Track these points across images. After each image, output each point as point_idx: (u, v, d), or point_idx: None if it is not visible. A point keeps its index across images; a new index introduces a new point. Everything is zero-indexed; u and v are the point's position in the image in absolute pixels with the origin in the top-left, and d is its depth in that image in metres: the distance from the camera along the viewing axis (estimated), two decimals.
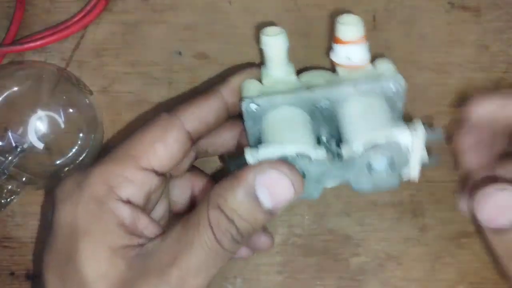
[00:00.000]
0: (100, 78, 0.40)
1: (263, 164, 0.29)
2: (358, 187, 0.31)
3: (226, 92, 0.33)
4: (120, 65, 0.40)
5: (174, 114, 0.32)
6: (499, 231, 0.27)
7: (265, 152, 0.29)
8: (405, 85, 0.32)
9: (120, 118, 0.40)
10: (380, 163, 0.30)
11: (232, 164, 0.30)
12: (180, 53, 0.40)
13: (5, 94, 0.37)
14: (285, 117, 0.32)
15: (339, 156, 0.31)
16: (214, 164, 0.40)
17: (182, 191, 0.36)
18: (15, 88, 0.38)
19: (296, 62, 0.40)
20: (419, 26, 0.40)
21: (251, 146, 0.34)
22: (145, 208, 0.32)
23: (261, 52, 0.34)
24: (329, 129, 0.33)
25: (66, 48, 0.40)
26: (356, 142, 0.30)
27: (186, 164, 0.34)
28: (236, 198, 0.28)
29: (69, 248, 0.29)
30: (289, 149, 0.29)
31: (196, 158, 0.35)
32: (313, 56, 0.40)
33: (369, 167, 0.30)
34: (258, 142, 0.33)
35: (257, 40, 0.40)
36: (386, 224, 0.39)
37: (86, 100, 0.39)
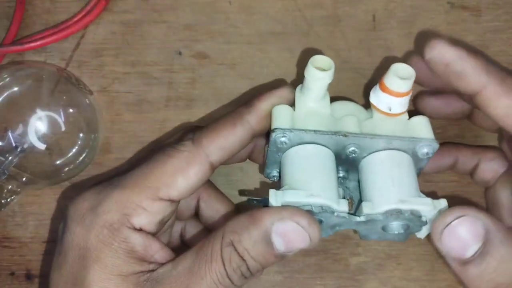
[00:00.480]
0: (100, 78, 0.40)
1: (282, 211, 0.28)
2: (366, 237, 0.32)
3: (254, 121, 0.32)
4: (120, 65, 0.40)
5: (199, 145, 0.31)
6: (464, 262, 0.26)
7: (291, 198, 0.29)
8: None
9: (120, 118, 0.40)
10: (396, 228, 0.30)
11: (253, 202, 0.30)
12: (180, 53, 0.40)
13: (5, 94, 0.37)
14: (312, 157, 0.31)
15: (358, 211, 0.31)
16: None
17: (189, 201, 0.36)
18: (15, 88, 0.38)
19: (296, 62, 0.40)
20: (419, 26, 0.40)
21: (267, 168, 0.34)
22: (158, 232, 0.31)
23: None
24: (349, 173, 0.33)
25: (66, 48, 0.40)
26: (380, 208, 0.29)
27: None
28: (250, 239, 0.28)
29: (78, 271, 0.29)
30: (315, 201, 0.29)
31: None
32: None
33: (384, 228, 0.30)
34: (275, 166, 0.33)
35: (258, 40, 0.40)
36: None
37: (86, 100, 0.39)
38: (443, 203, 0.30)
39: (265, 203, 0.29)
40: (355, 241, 0.39)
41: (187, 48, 0.40)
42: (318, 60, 0.31)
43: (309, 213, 0.29)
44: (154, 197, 0.30)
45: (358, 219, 0.30)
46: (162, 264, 0.30)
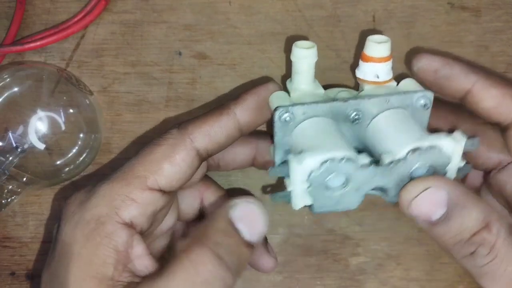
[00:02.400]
0: (100, 78, 0.40)
1: (233, 199, 0.30)
2: (395, 199, 0.31)
3: (240, 112, 0.32)
4: (120, 65, 0.40)
5: (184, 132, 0.31)
6: (433, 224, 0.29)
7: (311, 156, 0.29)
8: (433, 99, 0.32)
9: (120, 118, 0.40)
10: (420, 171, 0.30)
11: (276, 197, 0.30)
12: (180, 53, 0.40)
13: (5, 95, 0.37)
14: (320, 127, 0.31)
15: (378, 163, 0.31)
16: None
17: (191, 201, 0.36)
18: (16, 89, 0.38)
19: None
20: (419, 26, 0.40)
21: (277, 161, 0.34)
22: (151, 225, 0.31)
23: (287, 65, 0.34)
24: (356, 142, 0.33)
25: (66, 48, 0.40)
26: (400, 151, 0.30)
27: (195, 178, 0.34)
28: (217, 238, 0.29)
29: (61, 270, 0.29)
30: (336, 154, 0.29)
31: (207, 170, 0.35)
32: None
33: (410, 176, 0.30)
34: (286, 155, 0.33)
35: (258, 40, 0.40)
36: (385, 224, 0.39)
37: (86, 100, 0.39)
38: (459, 136, 0.30)
39: (288, 198, 0.30)
40: (355, 241, 0.39)
41: (187, 48, 0.40)
42: (300, 43, 0.33)
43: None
44: (142, 186, 0.29)
45: (382, 167, 0.30)
46: (146, 279, 0.28)
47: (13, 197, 0.38)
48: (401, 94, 0.32)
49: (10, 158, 0.37)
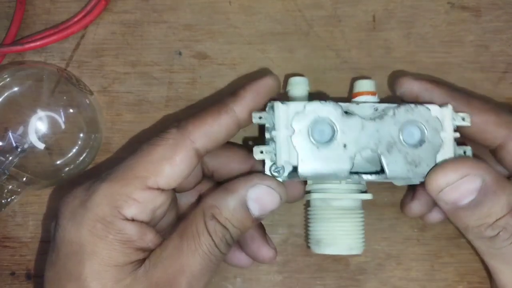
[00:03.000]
0: (100, 78, 0.40)
1: (253, 178, 0.31)
2: (392, 172, 0.31)
3: (239, 109, 0.32)
4: (120, 65, 0.40)
5: (184, 132, 0.31)
6: (459, 208, 0.30)
7: (296, 102, 0.30)
8: None
9: (120, 118, 0.40)
10: (412, 131, 0.31)
11: (258, 151, 0.31)
12: (180, 53, 0.40)
13: (5, 94, 0.37)
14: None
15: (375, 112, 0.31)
16: None
17: (189, 197, 0.36)
18: (16, 88, 0.38)
19: (296, 62, 0.40)
20: (419, 26, 0.40)
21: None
22: (150, 223, 0.32)
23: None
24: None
25: (66, 48, 0.40)
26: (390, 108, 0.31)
27: (191, 182, 0.35)
28: (229, 209, 0.31)
29: (73, 266, 0.29)
30: (320, 101, 0.30)
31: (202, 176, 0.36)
32: (313, 56, 0.40)
33: (401, 138, 0.31)
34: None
35: (258, 40, 0.40)
36: (385, 224, 0.39)
37: (86, 100, 0.39)
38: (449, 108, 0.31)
39: (272, 152, 0.31)
40: None
41: (187, 48, 0.40)
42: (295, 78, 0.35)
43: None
44: (142, 186, 0.30)
45: (368, 120, 0.31)
46: (151, 251, 0.31)
47: (13, 197, 0.38)
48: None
49: (10, 158, 0.37)
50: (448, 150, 0.31)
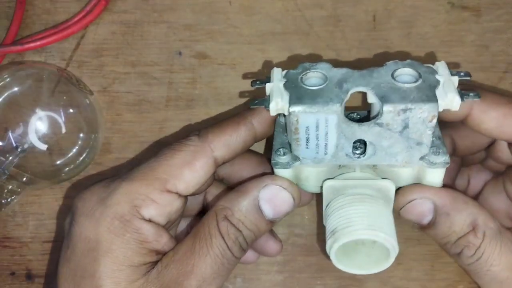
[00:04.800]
0: (100, 78, 0.40)
1: (265, 178, 0.31)
2: (387, 106, 0.27)
3: (257, 123, 0.32)
4: (120, 65, 0.40)
5: (205, 140, 0.32)
6: (424, 227, 0.32)
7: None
8: None
9: (120, 118, 0.40)
10: (404, 75, 0.29)
11: (257, 83, 0.31)
12: (180, 53, 0.40)
13: (5, 94, 0.37)
14: None
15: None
16: None
17: (196, 197, 0.36)
18: (16, 88, 0.38)
19: (296, 62, 0.40)
20: (419, 26, 0.40)
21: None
22: (165, 226, 0.32)
23: None
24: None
25: (66, 48, 0.40)
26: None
27: (203, 188, 0.34)
28: (242, 210, 0.31)
29: (88, 264, 0.30)
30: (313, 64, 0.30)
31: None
32: (313, 56, 0.40)
33: (394, 78, 0.28)
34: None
35: (258, 40, 0.40)
36: None
37: (86, 100, 0.39)
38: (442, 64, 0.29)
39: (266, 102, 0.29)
40: None
41: (187, 48, 0.40)
42: None
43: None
44: (162, 188, 0.30)
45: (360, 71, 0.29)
46: (164, 254, 0.31)
47: (13, 197, 0.38)
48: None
49: (10, 158, 0.37)
50: (449, 87, 0.28)
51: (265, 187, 0.31)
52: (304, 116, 0.28)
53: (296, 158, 0.31)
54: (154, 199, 0.30)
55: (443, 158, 0.29)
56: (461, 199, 0.31)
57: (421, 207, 0.31)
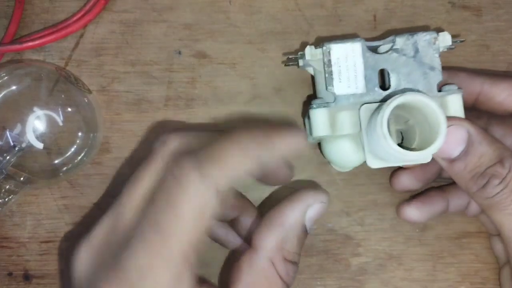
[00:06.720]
0: (99, 77, 0.40)
1: (307, 198, 0.32)
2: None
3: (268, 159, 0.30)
4: (119, 65, 0.40)
5: (208, 178, 0.27)
6: (452, 161, 0.33)
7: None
8: None
9: (119, 117, 0.40)
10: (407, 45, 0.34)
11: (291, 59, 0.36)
12: (179, 53, 0.40)
13: (3, 93, 0.37)
14: None
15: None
16: None
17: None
18: (14, 87, 0.37)
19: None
20: (419, 26, 0.40)
21: None
22: None
23: None
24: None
25: (65, 47, 0.40)
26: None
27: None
28: (293, 244, 0.32)
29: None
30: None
31: None
32: None
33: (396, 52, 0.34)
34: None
35: (258, 40, 0.40)
36: (386, 224, 0.39)
37: (85, 99, 0.38)
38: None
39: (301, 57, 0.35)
40: (356, 242, 0.39)
41: (187, 47, 0.40)
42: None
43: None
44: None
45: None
46: None
47: (10, 197, 0.38)
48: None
49: (8, 157, 0.37)
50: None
51: (310, 208, 0.32)
52: (335, 47, 0.34)
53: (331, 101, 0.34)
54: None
55: (456, 86, 0.34)
56: (489, 134, 0.33)
57: (457, 135, 0.32)
